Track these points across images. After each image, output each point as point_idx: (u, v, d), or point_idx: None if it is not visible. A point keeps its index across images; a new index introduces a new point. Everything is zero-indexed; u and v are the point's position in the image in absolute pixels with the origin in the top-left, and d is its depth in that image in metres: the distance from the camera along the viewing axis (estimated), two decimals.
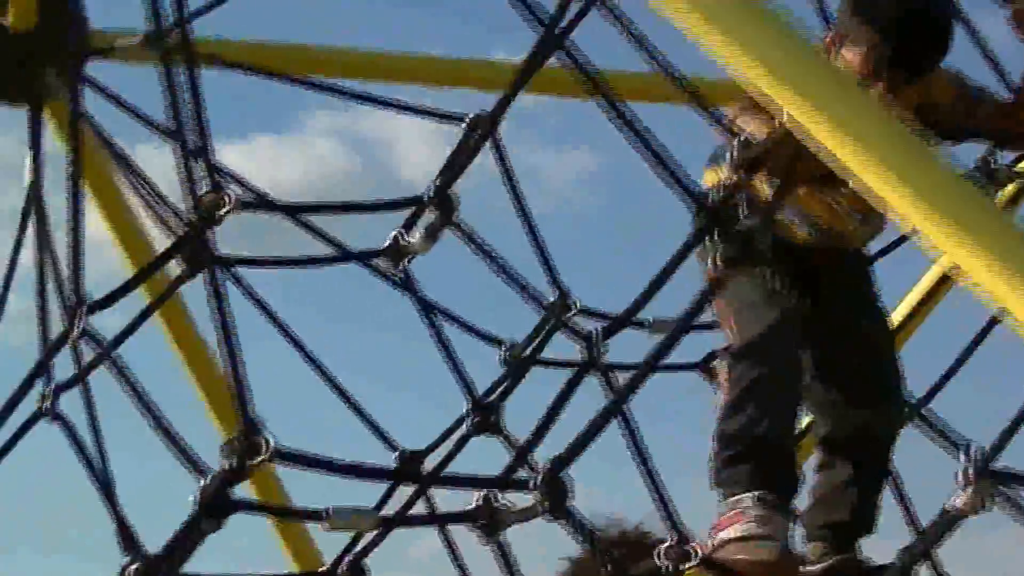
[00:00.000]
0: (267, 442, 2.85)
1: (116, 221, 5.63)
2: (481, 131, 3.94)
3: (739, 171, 3.33)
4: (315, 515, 3.13)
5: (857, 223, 3.98)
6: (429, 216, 3.91)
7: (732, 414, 3.78)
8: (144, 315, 3.74)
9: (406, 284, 4.31)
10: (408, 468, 3.99)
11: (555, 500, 3.05)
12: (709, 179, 3.92)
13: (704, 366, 4.72)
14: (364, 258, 4.17)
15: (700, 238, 3.59)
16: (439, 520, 3.55)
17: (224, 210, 3.39)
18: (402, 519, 3.41)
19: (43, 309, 4.65)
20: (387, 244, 4.13)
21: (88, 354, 3.65)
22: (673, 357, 3.83)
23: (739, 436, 3.76)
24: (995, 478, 2.79)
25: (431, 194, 3.84)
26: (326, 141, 18.11)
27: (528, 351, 4.43)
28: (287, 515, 2.92)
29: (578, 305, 4.39)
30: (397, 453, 4.43)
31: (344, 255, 4.29)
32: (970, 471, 2.79)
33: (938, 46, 3.65)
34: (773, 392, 3.77)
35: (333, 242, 4.38)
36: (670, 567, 3.57)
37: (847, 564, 3.88)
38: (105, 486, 3.60)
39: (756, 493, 3.74)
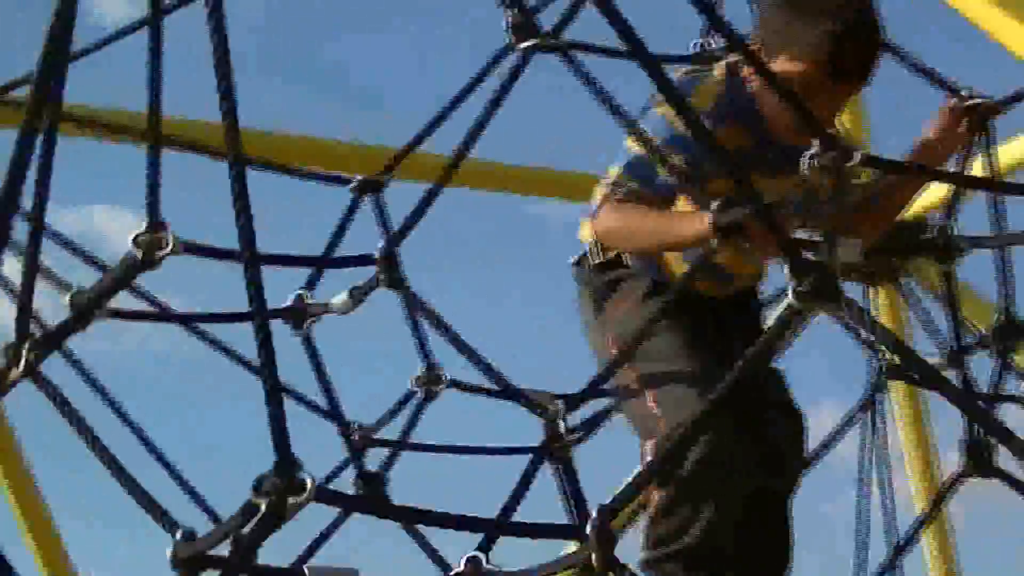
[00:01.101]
0: (311, 480, 2.55)
1: None
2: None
3: None
4: (294, 573, 2.85)
5: (757, 264, 3.85)
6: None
7: (665, 515, 3.54)
8: None
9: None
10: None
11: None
12: (584, 234, 3.79)
13: None
14: (267, 317, 3.89)
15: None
16: None
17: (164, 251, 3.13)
18: None
19: None
20: (290, 304, 3.92)
21: None
22: None
23: (671, 539, 3.55)
24: None
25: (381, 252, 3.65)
26: None
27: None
28: (267, 573, 2.62)
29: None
30: None
31: (242, 315, 4.00)
32: None
33: (876, 58, 3.55)
34: (709, 489, 3.50)
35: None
36: None
37: None
38: None
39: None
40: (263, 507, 2.53)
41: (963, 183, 3.68)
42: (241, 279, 2.57)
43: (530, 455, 3.51)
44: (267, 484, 2.54)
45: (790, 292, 2.56)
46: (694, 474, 3.42)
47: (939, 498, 3.91)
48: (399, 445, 4.26)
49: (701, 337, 3.67)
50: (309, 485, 2.53)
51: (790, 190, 3.50)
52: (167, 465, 4.03)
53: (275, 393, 2.57)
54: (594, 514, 2.67)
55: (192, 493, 3.99)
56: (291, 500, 2.51)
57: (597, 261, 3.78)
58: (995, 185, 3.62)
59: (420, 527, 3.71)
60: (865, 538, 4.94)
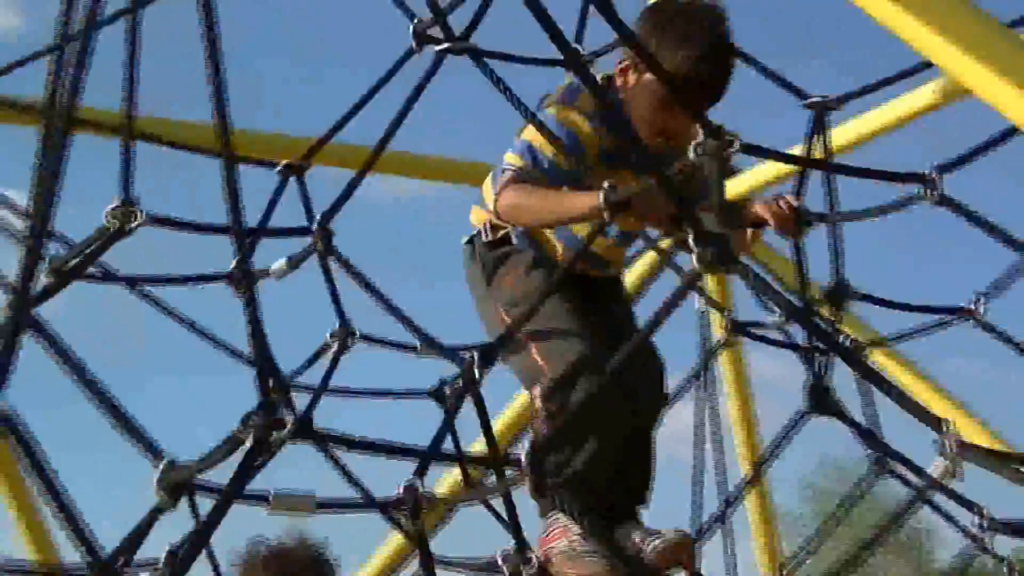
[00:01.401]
0: (291, 419, 2.66)
1: None
2: None
3: None
4: (262, 498, 2.94)
5: (616, 243, 4.03)
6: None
7: (551, 449, 3.55)
8: None
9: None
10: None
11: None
12: (475, 218, 3.97)
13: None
14: (207, 281, 3.95)
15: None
16: (365, 506, 3.36)
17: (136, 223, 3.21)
18: (332, 503, 3.22)
19: None
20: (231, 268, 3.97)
21: None
22: None
23: (557, 471, 3.60)
24: None
25: (318, 224, 3.72)
26: None
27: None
28: (239, 498, 2.72)
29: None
30: None
31: (186, 278, 4.06)
32: None
33: (728, 78, 3.68)
34: (590, 427, 3.63)
35: None
36: (509, 572, 3.50)
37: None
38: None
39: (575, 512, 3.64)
40: (249, 441, 2.63)
41: (808, 164, 3.87)
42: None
43: (453, 396, 3.61)
44: (253, 421, 2.65)
45: (694, 258, 2.71)
46: (579, 413, 3.53)
47: (784, 433, 4.09)
48: (321, 390, 4.32)
49: (578, 302, 3.80)
50: (289, 423, 2.64)
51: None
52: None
53: (260, 342, 2.65)
54: (527, 446, 2.83)
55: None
56: (274, 435, 2.60)
57: (487, 239, 3.91)
58: (830, 167, 3.81)
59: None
60: (699, 494, 5.17)
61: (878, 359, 5.25)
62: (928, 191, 3.66)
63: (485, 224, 3.91)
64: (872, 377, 2.68)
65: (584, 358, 3.63)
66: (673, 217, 3.31)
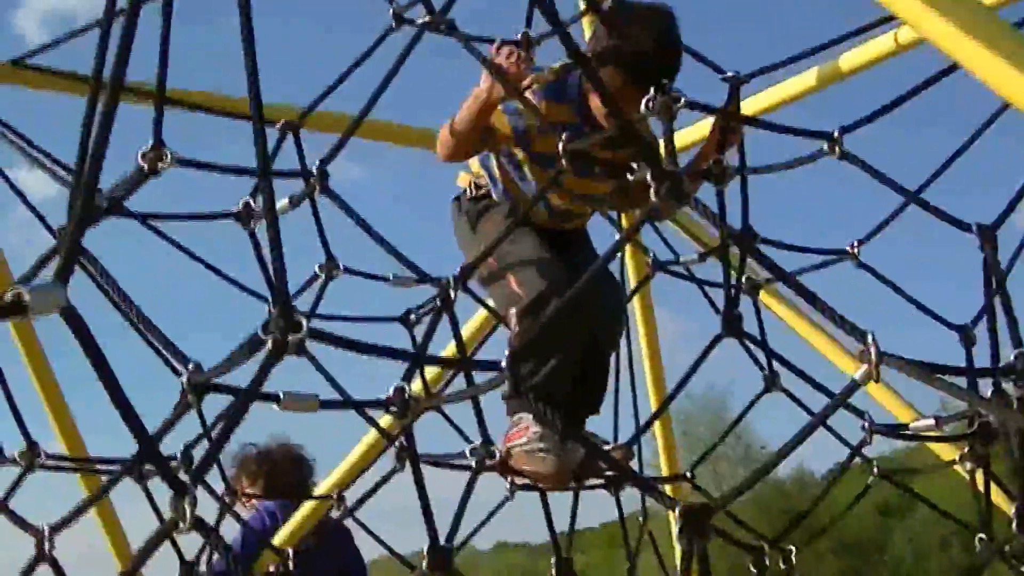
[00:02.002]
0: (306, 322, 2.50)
1: None
2: None
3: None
4: (274, 398, 2.79)
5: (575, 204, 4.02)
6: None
7: (521, 360, 3.37)
8: None
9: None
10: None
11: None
12: (460, 180, 4.00)
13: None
14: (216, 218, 3.79)
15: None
16: (361, 405, 3.22)
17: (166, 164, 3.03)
18: (333, 403, 3.08)
19: None
20: (240, 208, 3.81)
21: None
22: None
23: (528, 377, 3.60)
24: None
25: (318, 166, 3.57)
26: None
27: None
28: (251, 398, 2.56)
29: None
30: None
31: (197, 215, 3.89)
32: None
33: (675, 70, 3.62)
34: (556, 341, 3.60)
35: None
36: (474, 463, 3.42)
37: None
38: None
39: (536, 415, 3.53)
40: (269, 342, 2.48)
41: (737, 120, 3.75)
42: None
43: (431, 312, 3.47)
44: (272, 324, 2.49)
45: (652, 194, 2.61)
46: (548, 329, 3.33)
47: (702, 355, 4.01)
48: (311, 315, 4.19)
49: (547, 244, 3.86)
50: (304, 326, 2.49)
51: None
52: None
53: (278, 251, 2.50)
54: (507, 354, 2.71)
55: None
56: (291, 337, 2.45)
57: (471, 196, 3.97)
58: (756, 122, 3.71)
59: None
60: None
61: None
62: (833, 147, 3.59)
63: (469, 183, 3.98)
64: (803, 293, 2.56)
65: (553, 285, 3.63)
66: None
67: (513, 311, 3.66)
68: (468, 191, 3.99)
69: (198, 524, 2.11)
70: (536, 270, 3.70)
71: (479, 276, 3.83)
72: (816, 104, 4.78)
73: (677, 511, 2.40)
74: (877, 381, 2.42)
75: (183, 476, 2.10)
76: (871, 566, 38.29)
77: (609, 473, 3.81)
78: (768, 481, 42.09)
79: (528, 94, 3.59)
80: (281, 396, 2.81)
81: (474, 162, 4.00)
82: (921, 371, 2.44)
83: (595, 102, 3.65)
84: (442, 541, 2.87)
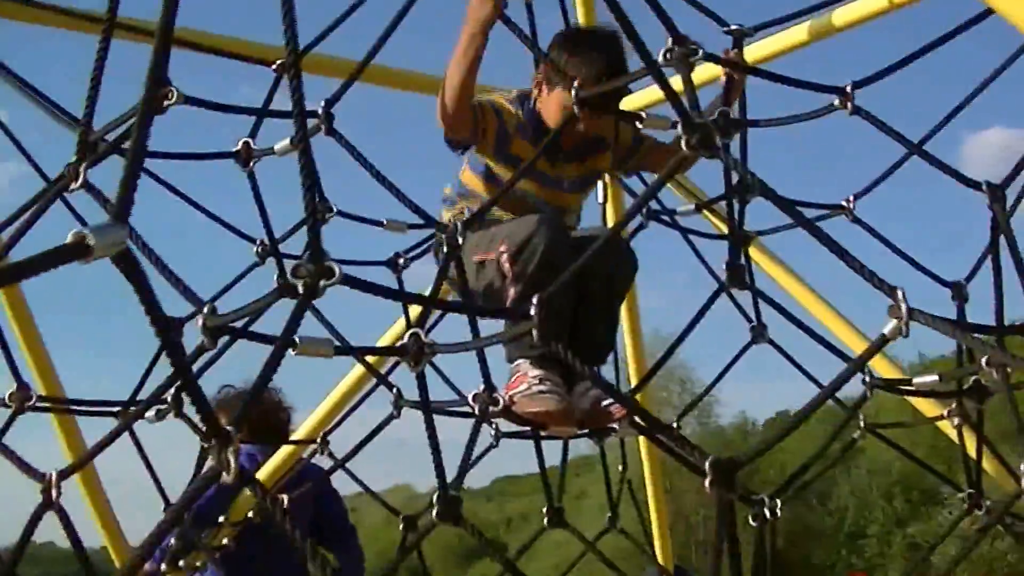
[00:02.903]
0: (339, 267, 2.50)
1: None
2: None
3: None
4: (291, 343, 2.78)
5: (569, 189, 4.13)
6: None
7: (516, 303, 3.61)
8: None
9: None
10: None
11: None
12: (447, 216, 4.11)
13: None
14: (217, 157, 3.76)
15: None
16: (367, 352, 3.21)
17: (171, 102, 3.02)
18: (347, 348, 3.08)
19: None
20: (239, 148, 3.78)
21: None
22: None
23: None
24: None
25: (323, 107, 3.54)
26: None
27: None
28: (268, 341, 2.57)
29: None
30: None
31: (197, 155, 3.84)
32: None
33: (617, 102, 4.01)
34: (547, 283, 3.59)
35: None
36: (478, 410, 3.44)
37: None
38: None
39: (533, 358, 3.70)
40: (300, 287, 2.47)
41: (745, 70, 3.80)
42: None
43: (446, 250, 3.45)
44: (302, 269, 2.48)
45: (683, 143, 2.62)
46: (536, 271, 3.64)
47: (705, 306, 4.04)
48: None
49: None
50: (337, 271, 2.48)
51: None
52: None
53: (311, 197, 2.48)
54: (535, 301, 2.71)
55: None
56: (323, 282, 2.45)
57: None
58: (762, 73, 3.72)
59: None
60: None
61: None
62: (844, 102, 3.61)
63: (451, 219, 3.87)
64: (829, 243, 2.59)
65: (538, 227, 3.69)
66: None
67: (504, 258, 3.71)
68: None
69: (241, 473, 2.11)
70: (521, 224, 3.77)
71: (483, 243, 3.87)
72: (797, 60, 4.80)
73: (707, 465, 2.43)
74: (906, 336, 2.46)
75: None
76: (815, 515, 39.05)
77: (614, 422, 3.83)
78: (709, 428, 42.80)
79: (503, 101, 3.96)
80: (297, 340, 2.81)
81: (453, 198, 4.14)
82: (949, 327, 2.48)
83: (549, 116, 3.94)
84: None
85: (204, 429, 2.14)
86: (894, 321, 2.47)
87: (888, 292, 2.50)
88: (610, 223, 5.35)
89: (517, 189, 3.85)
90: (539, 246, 3.65)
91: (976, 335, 2.56)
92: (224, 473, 2.04)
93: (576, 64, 3.80)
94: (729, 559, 2.70)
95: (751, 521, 3.12)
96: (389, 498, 6.11)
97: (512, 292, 3.66)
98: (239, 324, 2.82)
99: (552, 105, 3.93)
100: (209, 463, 2.07)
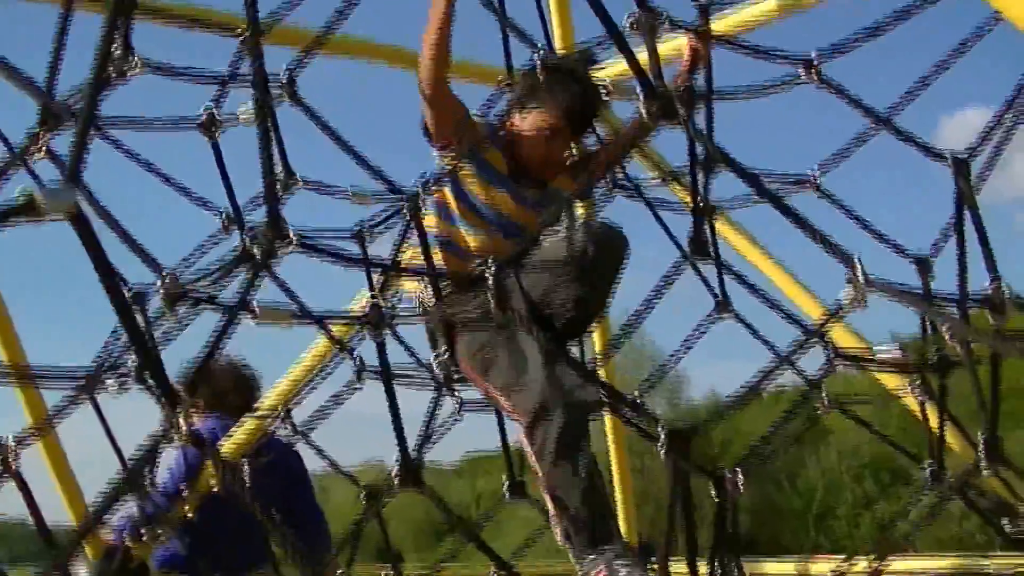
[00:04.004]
0: (295, 234, 2.51)
1: None
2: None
3: None
4: (248, 308, 2.79)
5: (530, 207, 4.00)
6: None
7: (556, 487, 3.35)
8: None
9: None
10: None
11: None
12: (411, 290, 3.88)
13: None
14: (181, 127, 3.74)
15: None
16: (322, 319, 3.22)
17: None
18: (306, 315, 3.08)
19: None
20: (203, 116, 3.77)
21: None
22: None
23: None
24: None
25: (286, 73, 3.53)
26: None
27: None
28: (231, 309, 2.58)
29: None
30: None
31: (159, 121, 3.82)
32: None
33: (593, 116, 4.12)
34: (574, 448, 3.34)
35: None
36: (441, 378, 3.49)
37: None
38: None
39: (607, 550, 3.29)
40: (257, 253, 2.48)
41: (712, 38, 3.82)
42: None
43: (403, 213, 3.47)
44: (260, 236, 2.49)
45: (644, 112, 2.64)
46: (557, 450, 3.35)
47: (668, 277, 4.07)
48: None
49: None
50: (293, 237, 2.49)
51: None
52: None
53: (268, 163, 2.49)
54: (491, 265, 2.73)
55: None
56: (280, 247, 2.46)
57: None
58: (730, 42, 3.74)
59: None
60: None
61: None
62: (810, 72, 3.63)
63: (421, 292, 3.74)
64: (788, 213, 2.62)
65: (544, 399, 3.38)
66: None
67: (522, 439, 3.49)
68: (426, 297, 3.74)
69: (193, 436, 2.13)
70: (523, 389, 3.46)
71: (471, 365, 3.67)
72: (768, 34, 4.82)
73: (662, 434, 2.46)
74: (864, 304, 2.49)
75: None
76: (784, 495, 39.28)
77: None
78: (682, 405, 43.01)
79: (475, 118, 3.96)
80: (257, 308, 2.81)
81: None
82: (907, 296, 2.52)
83: (524, 146, 3.94)
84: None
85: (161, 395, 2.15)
86: (850, 289, 2.50)
87: (844, 261, 2.54)
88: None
89: (486, 203, 3.84)
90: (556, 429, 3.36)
91: (935, 306, 2.57)
92: (174, 435, 2.05)
93: (551, 89, 3.89)
94: (686, 530, 2.74)
95: (713, 496, 3.16)
96: (361, 475, 6.12)
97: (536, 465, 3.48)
98: (204, 294, 2.82)
99: (528, 131, 3.96)
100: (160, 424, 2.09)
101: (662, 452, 2.42)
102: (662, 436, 2.42)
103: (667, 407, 41.79)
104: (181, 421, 2.09)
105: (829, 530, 37.30)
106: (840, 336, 4.71)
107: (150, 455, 2.17)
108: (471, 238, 3.79)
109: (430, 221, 3.74)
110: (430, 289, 3.56)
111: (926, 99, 4.10)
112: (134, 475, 2.15)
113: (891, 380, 4.68)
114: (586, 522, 3.27)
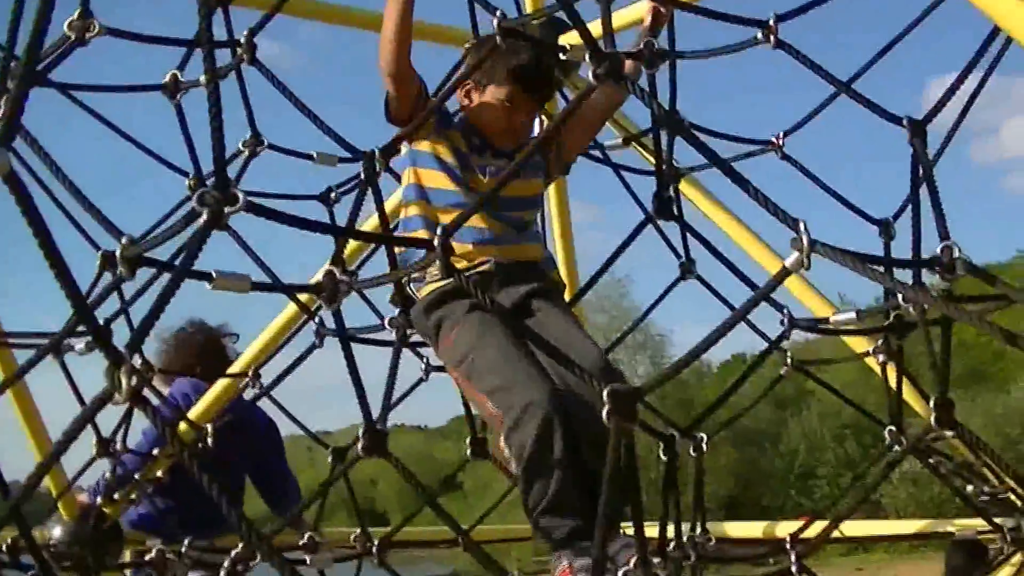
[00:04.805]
0: (243, 195, 2.49)
1: None
2: None
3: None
4: (206, 276, 2.78)
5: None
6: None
7: (526, 483, 3.34)
8: None
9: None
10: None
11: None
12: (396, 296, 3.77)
13: None
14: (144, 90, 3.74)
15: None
16: (288, 289, 3.21)
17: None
18: (263, 284, 3.06)
19: None
20: (167, 80, 3.77)
21: None
22: None
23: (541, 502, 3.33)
24: None
25: (245, 36, 3.51)
26: None
27: None
28: (194, 277, 2.57)
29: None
30: None
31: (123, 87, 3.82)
32: None
33: (551, 88, 4.13)
34: (545, 440, 3.28)
35: None
36: (397, 337, 3.48)
37: None
38: None
39: (573, 549, 3.28)
40: (205, 214, 2.46)
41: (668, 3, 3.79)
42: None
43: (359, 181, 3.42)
44: (208, 197, 2.47)
45: (590, 73, 2.63)
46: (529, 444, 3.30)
47: (631, 236, 4.09)
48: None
49: (509, 333, 3.48)
50: (241, 198, 2.48)
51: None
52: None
53: (218, 120, 2.47)
54: (439, 232, 2.72)
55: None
56: (227, 209, 2.45)
57: (422, 307, 3.66)
58: (685, 7, 3.73)
59: None
60: None
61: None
62: (768, 35, 3.62)
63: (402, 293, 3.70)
64: (735, 177, 2.62)
65: (527, 399, 3.32)
66: None
67: (500, 440, 3.42)
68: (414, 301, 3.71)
69: (134, 395, 2.13)
70: (506, 389, 3.40)
71: (454, 362, 3.58)
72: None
73: (605, 394, 2.43)
74: (808, 268, 2.50)
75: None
76: (767, 457, 39.58)
77: None
78: (665, 363, 43.23)
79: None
80: (213, 274, 2.80)
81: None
82: (852, 260, 2.52)
83: (484, 119, 3.84)
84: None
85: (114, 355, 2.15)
86: (796, 253, 2.51)
87: (791, 225, 2.54)
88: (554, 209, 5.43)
89: (457, 185, 3.73)
90: (532, 433, 3.30)
91: (875, 267, 2.58)
92: (116, 394, 2.06)
93: (504, 56, 3.69)
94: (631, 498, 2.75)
95: (661, 455, 3.19)
96: (342, 436, 6.15)
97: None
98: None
99: (487, 103, 3.84)
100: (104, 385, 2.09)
101: (605, 415, 2.39)
102: (605, 398, 2.39)
103: (650, 365, 42.06)
104: (123, 379, 2.08)
105: (810, 491, 37.62)
106: (810, 299, 4.74)
107: (91, 415, 2.17)
108: (449, 218, 3.66)
109: (413, 209, 3.70)
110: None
111: (915, 62, 4.13)
112: (69, 437, 2.13)
113: (859, 344, 4.70)
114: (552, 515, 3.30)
